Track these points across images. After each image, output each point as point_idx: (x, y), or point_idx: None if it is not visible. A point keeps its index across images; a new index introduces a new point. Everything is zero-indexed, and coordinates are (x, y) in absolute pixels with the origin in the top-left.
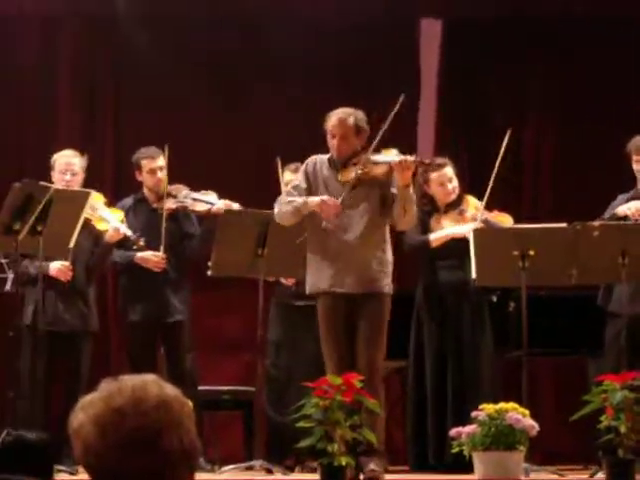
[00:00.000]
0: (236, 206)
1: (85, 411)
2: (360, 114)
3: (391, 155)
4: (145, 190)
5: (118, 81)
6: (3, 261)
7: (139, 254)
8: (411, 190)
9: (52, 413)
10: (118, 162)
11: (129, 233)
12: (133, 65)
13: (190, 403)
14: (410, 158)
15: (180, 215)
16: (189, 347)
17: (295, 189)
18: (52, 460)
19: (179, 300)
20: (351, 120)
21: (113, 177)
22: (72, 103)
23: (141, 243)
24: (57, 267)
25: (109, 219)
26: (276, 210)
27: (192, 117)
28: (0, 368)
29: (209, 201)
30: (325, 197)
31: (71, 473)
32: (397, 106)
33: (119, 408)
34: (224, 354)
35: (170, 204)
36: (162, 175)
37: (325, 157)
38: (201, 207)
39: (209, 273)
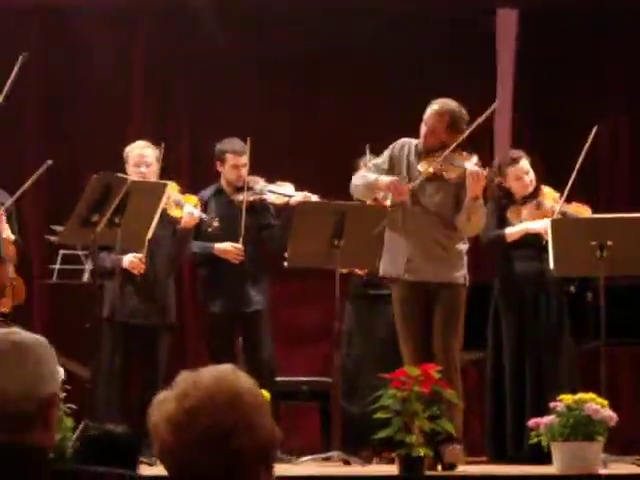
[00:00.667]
0: (315, 198)
1: (159, 409)
2: (459, 112)
3: (469, 162)
4: (223, 182)
5: (193, 77)
6: (81, 253)
7: (217, 245)
8: (480, 201)
9: (129, 405)
10: (194, 158)
11: (203, 216)
12: (206, 60)
13: (266, 394)
14: (483, 172)
15: (258, 207)
16: (267, 338)
17: (375, 167)
18: (137, 452)
19: (257, 291)
20: (446, 116)
21: (189, 173)
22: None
23: (215, 224)
24: (130, 259)
25: (183, 204)
26: (352, 183)
27: (268, 111)
28: (78, 358)
29: (286, 193)
30: (395, 178)
31: (150, 464)
32: (488, 112)
33: (191, 407)
34: (301, 345)
35: (248, 196)
36: (244, 171)
37: (414, 142)
38: (279, 199)
39: (285, 264)
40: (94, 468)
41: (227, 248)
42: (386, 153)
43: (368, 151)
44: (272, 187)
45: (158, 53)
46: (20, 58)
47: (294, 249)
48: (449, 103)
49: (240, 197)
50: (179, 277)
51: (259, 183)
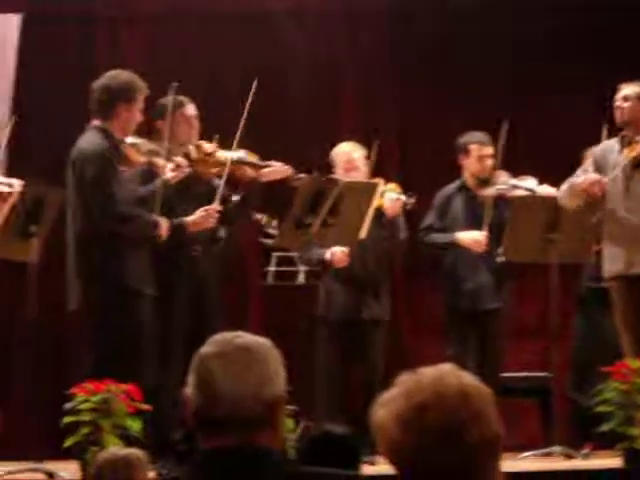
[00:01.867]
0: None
1: (386, 408)
2: None
3: None
4: (466, 175)
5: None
6: (295, 254)
7: (460, 234)
8: None
9: (349, 404)
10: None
11: (403, 197)
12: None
13: (490, 391)
14: None
15: (501, 202)
16: (500, 335)
17: (582, 172)
18: (358, 452)
19: (497, 287)
20: None
21: (398, 168)
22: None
23: (412, 200)
24: (334, 251)
25: (384, 194)
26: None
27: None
28: (295, 360)
29: (529, 187)
30: (591, 176)
31: (371, 463)
32: None
33: (420, 404)
34: (519, 340)
35: (491, 191)
36: (490, 163)
37: (614, 140)
38: (521, 194)
39: (499, 259)
40: (322, 470)
41: (475, 237)
42: (590, 157)
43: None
44: (514, 181)
45: (361, 49)
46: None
47: (510, 243)
48: None
49: (485, 192)
50: (391, 272)
51: (502, 178)
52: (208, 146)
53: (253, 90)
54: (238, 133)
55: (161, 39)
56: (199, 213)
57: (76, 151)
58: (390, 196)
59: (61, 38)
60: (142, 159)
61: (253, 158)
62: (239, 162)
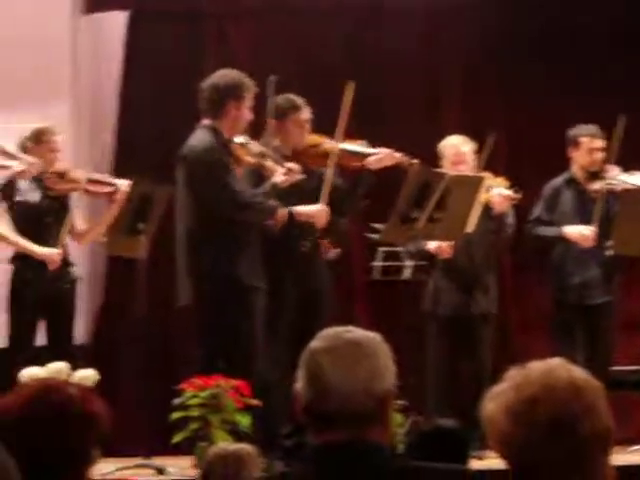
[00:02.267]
0: None
1: (496, 401)
2: None
3: None
4: (575, 168)
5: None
6: (401, 249)
7: (568, 228)
8: None
9: (456, 398)
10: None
11: (509, 193)
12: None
13: (600, 384)
14: None
15: (610, 196)
16: (611, 328)
17: None
18: (467, 447)
19: (607, 279)
20: None
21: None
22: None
23: (518, 195)
24: (442, 244)
25: (491, 188)
26: None
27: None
28: (404, 355)
29: (638, 183)
30: None
31: (479, 458)
32: None
33: (530, 397)
34: (629, 333)
35: (600, 185)
36: (600, 156)
37: None
38: (630, 187)
39: (608, 253)
40: (431, 464)
41: (583, 232)
42: None
43: None
44: (625, 176)
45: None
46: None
47: (619, 237)
48: None
49: (594, 186)
50: (498, 266)
51: (611, 172)
52: (313, 137)
53: (350, 92)
54: (341, 124)
55: (267, 35)
56: (318, 207)
57: (187, 149)
58: (497, 191)
59: (168, 35)
60: (251, 160)
61: (360, 147)
62: (345, 152)
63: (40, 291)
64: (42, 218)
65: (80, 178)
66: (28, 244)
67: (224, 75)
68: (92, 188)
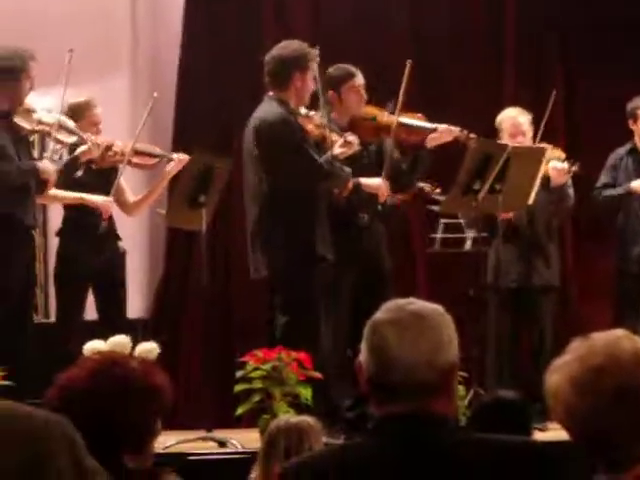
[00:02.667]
0: None
1: (560, 372)
2: None
3: None
4: (636, 139)
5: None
6: (462, 221)
7: (635, 182)
8: None
9: (518, 370)
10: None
11: (566, 166)
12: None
13: None
14: None
15: None
16: None
17: None
18: (530, 418)
19: None
20: None
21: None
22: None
23: (575, 168)
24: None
25: (549, 161)
26: None
27: None
28: (465, 327)
29: None
30: None
31: (541, 429)
32: None
33: (596, 367)
34: None
35: None
36: None
37: None
38: None
39: None
40: (495, 436)
41: None
42: None
43: None
44: None
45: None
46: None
47: None
48: None
49: None
50: (561, 237)
51: None
52: (370, 109)
53: (409, 70)
54: (400, 98)
55: (324, 9)
56: (380, 180)
57: (257, 120)
58: (554, 164)
59: (226, 7)
60: (315, 131)
61: (419, 121)
62: (404, 125)
63: (88, 265)
64: (87, 192)
65: (124, 150)
66: (80, 195)
67: (287, 46)
68: (137, 160)
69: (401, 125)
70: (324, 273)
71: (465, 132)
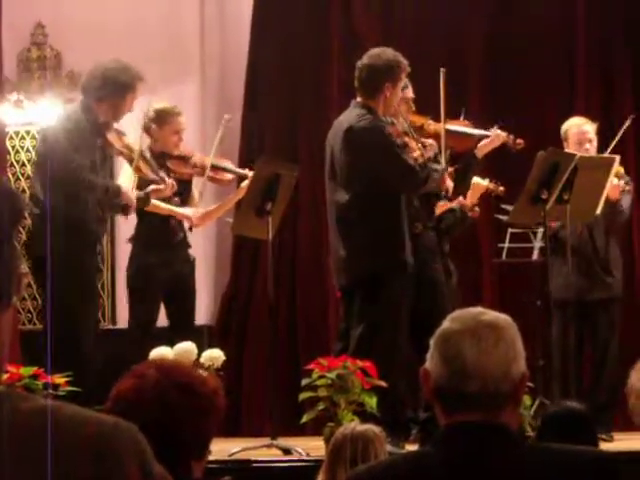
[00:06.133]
0: None
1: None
2: None
3: None
4: None
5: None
6: (530, 230)
7: None
8: None
9: (582, 381)
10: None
11: (621, 183)
12: None
13: None
14: None
15: None
16: None
17: None
18: (595, 429)
19: None
20: None
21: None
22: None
23: (628, 187)
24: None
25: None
26: None
27: None
28: (531, 337)
29: None
30: None
31: (606, 440)
32: None
33: None
34: None
35: None
36: None
37: None
38: None
39: None
40: (561, 446)
41: None
42: None
43: None
44: None
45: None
46: None
47: None
48: None
49: None
50: (628, 248)
51: None
52: (417, 117)
53: (443, 77)
54: (442, 106)
55: (394, 6)
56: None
57: (346, 124)
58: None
59: (295, 13)
60: (399, 138)
61: (466, 128)
62: (452, 133)
63: (162, 273)
64: (167, 201)
65: (204, 164)
66: (170, 207)
67: (380, 55)
68: (215, 175)
69: (449, 132)
70: (407, 280)
71: (512, 137)
